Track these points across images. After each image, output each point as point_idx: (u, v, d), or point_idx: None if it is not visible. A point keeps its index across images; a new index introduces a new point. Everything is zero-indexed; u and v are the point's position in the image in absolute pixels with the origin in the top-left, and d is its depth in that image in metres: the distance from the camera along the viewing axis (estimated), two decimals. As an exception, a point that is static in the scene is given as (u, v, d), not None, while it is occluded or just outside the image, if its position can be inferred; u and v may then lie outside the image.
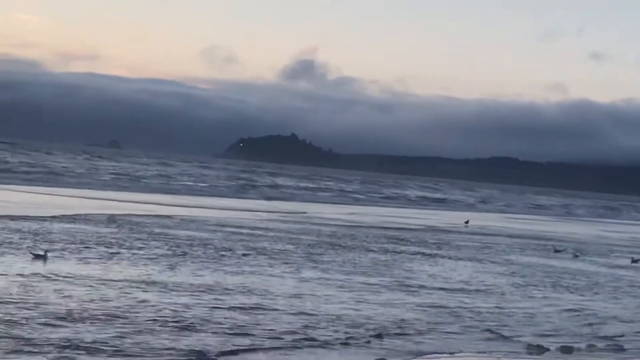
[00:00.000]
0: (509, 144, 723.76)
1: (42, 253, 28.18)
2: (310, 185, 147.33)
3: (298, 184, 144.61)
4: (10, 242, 31.27)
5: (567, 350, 20.34)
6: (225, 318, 20.40)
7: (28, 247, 30.18)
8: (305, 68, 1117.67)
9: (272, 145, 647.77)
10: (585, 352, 20.48)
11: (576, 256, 46.82)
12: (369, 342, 19.35)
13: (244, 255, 33.45)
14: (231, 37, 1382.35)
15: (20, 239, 32.48)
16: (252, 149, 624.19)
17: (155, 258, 30.31)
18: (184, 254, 32.26)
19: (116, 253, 30.71)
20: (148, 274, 26.23)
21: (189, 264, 29.41)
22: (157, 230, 40.92)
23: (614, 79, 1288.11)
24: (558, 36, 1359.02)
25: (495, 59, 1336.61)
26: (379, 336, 19.87)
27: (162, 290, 23.64)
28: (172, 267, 28.36)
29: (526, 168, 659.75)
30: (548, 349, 20.28)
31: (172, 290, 23.63)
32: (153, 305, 21.08)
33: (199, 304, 21.97)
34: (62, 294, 21.75)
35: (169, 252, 32.32)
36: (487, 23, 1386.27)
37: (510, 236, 61.94)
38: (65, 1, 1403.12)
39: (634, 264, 45.11)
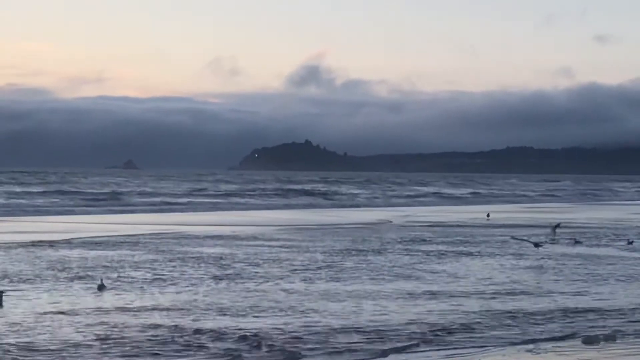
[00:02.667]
0: (522, 134, 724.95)
1: (100, 282, 27.11)
2: (364, 191, 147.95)
3: (359, 191, 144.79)
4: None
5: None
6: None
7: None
8: (312, 73, 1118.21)
9: (287, 153, 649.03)
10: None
11: (577, 242, 47.35)
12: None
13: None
14: (235, 47, 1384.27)
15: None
16: (267, 159, 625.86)
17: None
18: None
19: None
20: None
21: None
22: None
23: (620, 59, 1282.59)
24: (561, 20, 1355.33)
25: (499, 49, 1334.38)
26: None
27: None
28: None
29: (542, 156, 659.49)
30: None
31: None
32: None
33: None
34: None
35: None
36: (489, 14, 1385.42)
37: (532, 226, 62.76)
38: (69, 26, 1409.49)
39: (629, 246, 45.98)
